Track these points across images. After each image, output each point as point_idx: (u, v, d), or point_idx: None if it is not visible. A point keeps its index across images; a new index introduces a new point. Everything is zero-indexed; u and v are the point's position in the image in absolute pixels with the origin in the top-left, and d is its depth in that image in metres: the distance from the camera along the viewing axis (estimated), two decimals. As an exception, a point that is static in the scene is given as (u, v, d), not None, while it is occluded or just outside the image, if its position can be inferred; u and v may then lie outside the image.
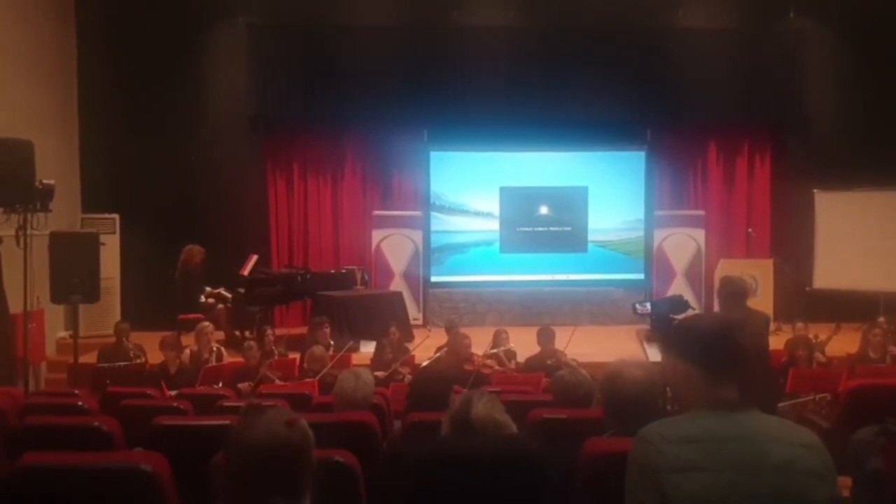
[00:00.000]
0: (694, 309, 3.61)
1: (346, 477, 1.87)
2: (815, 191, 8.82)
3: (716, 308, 4.13)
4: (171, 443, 2.56)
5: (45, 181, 5.79)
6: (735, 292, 4.08)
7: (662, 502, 1.42)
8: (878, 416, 4.32)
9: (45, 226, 6.12)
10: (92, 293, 6.26)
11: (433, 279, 9.59)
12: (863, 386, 4.71)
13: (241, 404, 3.58)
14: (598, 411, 2.62)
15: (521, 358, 6.58)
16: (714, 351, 1.49)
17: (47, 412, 3.07)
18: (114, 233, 8.73)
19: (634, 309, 3.56)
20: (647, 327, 3.75)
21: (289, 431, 1.43)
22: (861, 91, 9.28)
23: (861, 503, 3.92)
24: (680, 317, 3.46)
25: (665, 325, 3.21)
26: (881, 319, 7.08)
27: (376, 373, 5.19)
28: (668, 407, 2.18)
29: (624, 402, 2.02)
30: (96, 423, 2.53)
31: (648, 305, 3.48)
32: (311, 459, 1.47)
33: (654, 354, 4.23)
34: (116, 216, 8.79)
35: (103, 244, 8.04)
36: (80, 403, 3.33)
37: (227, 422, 2.63)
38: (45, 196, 5.72)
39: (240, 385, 5.18)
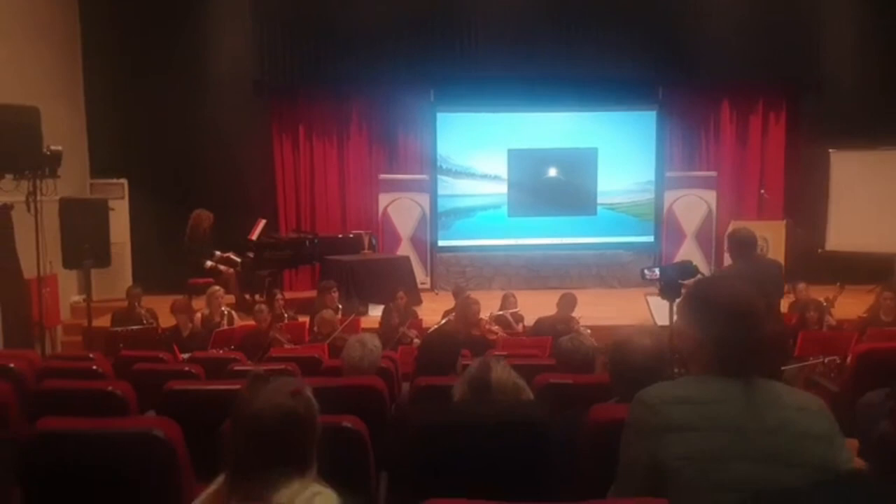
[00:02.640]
0: (702, 275, 3.58)
1: (354, 442, 1.90)
2: (830, 150, 8.66)
3: (726, 260, 4.11)
4: (182, 407, 2.60)
5: (52, 147, 5.79)
6: (744, 242, 4.07)
7: (653, 462, 1.43)
8: (888, 380, 4.33)
9: (55, 192, 6.15)
10: (103, 258, 6.32)
11: (440, 243, 9.58)
12: (873, 349, 4.69)
13: (252, 368, 3.63)
14: (602, 376, 2.64)
15: (529, 321, 6.61)
16: (729, 332, 1.48)
17: (63, 376, 3.12)
18: (122, 198, 8.77)
19: (643, 274, 3.55)
20: (656, 291, 3.76)
21: (293, 401, 1.44)
22: (879, 49, 9.03)
23: (869, 466, 3.97)
24: (689, 282, 3.42)
25: (674, 291, 3.19)
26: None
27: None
28: (677, 371, 2.18)
29: (631, 369, 2.02)
30: (110, 388, 2.57)
31: (657, 271, 3.46)
32: (316, 429, 1.48)
33: (661, 318, 4.22)
34: (125, 181, 8.81)
35: (112, 209, 8.14)
36: (94, 367, 3.39)
37: (238, 386, 2.68)
38: (53, 162, 5.73)
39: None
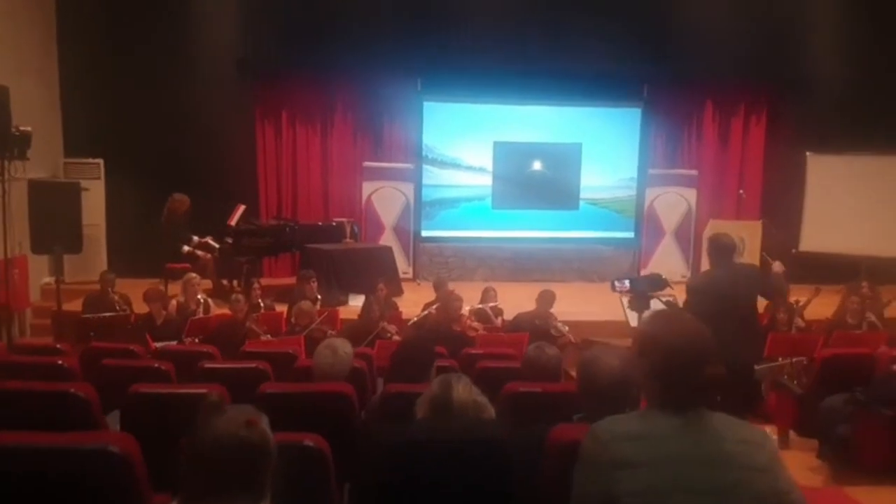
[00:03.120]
0: (671, 288, 3.62)
1: (316, 461, 1.89)
2: (807, 153, 8.75)
3: (704, 266, 4.19)
4: (147, 410, 2.59)
5: (21, 128, 5.63)
6: (723, 247, 4.14)
7: (605, 498, 1.46)
8: (849, 385, 4.44)
9: (24, 172, 6.00)
10: (74, 243, 6.19)
11: (424, 233, 9.56)
12: (836, 355, 4.81)
13: (223, 366, 3.61)
14: (569, 385, 2.66)
15: (512, 313, 6.64)
16: (675, 370, 1.50)
17: (26, 373, 3.07)
18: (98, 178, 8.61)
19: (613, 286, 3.61)
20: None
21: (247, 432, 1.44)
22: (861, 54, 9.12)
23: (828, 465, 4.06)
24: (659, 293, 3.47)
25: (643, 302, 3.22)
26: (864, 284, 7.14)
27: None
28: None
29: (597, 389, 2.05)
30: (72, 390, 2.53)
31: (627, 283, 3.49)
32: (271, 459, 1.48)
33: (635, 319, 4.26)
34: (101, 161, 8.63)
35: (87, 189, 7.99)
36: (59, 362, 3.33)
37: (204, 390, 2.66)
38: (21, 143, 5.58)
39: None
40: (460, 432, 1.73)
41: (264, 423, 1.50)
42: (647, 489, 1.44)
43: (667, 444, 1.47)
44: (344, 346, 2.94)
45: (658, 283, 3.45)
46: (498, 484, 1.67)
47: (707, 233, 8.96)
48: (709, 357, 1.50)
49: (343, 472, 2.08)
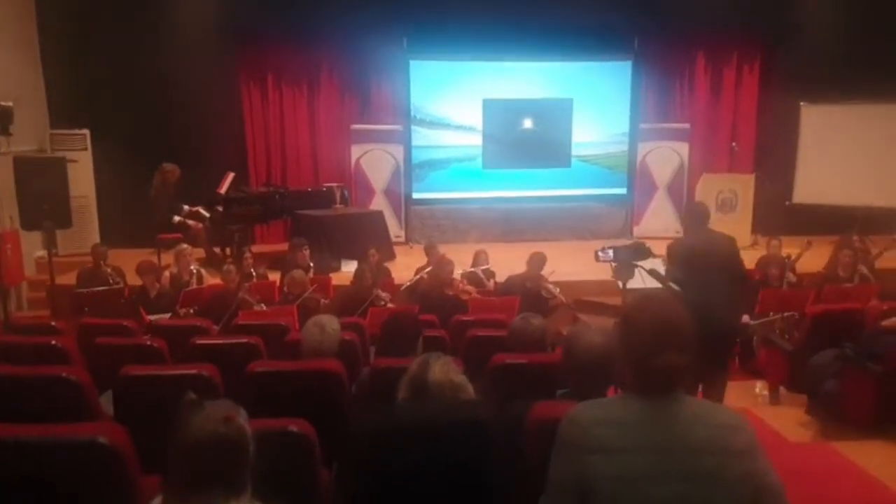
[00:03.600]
0: (654, 257, 3.64)
1: (301, 447, 1.92)
2: (801, 104, 8.66)
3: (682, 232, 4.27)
4: (139, 391, 2.62)
5: (2, 103, 5.53)
6: (699, 215, 4.21)
7: (580, 481, 1.49)
8: (838, 341, 4.51)
9: (9, 147, 5.92)
10: (63, 218, 6.16)
11: (415, 196, 9.51)
12: (826, 311, 4.86)
13: (215, 342, 3.64)
14: (555, 356, 2.68)
15: (505, 275, 6.66)
16: (652, 355, 1.50)
17: (20, 354, 3.09)
18: (85, 149, 8.53)
19: (596, 256, 3.63)
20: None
21: (226, 428, 1.47)
22: (853, 2, 8.93)
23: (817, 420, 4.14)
24: (642, 263, 3.48)
25: (628, 271, 3.24)
26: (855, 238, 7.16)
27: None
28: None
29: (579, 365, 2.07)
30: (65, 374, 2.56)
31: (610, 252, 3.50)
32: (249, 453, 1.51)
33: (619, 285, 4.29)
34: (87, 131, 8.54)
35: (75, 161, 7.91)
36: (53, 342, 3.36)
37: (195, 371, 2.69)
38: (3, 118, 5.48)
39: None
40: (436, 415, 1.76)
41: (242, 417, 1.53)
42: (621, 474, 1.46)
43: (643, 430, 1.49)
44: (331, 323, 2.96)
45: (642, 251, 3.46)
46: (478, 464, 1.70)
47: (700, 187, 8.97)
48: (679, 342, 1.50)
49: (330, 453, 2.12)
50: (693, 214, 4.09)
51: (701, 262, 3.80)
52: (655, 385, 1.52)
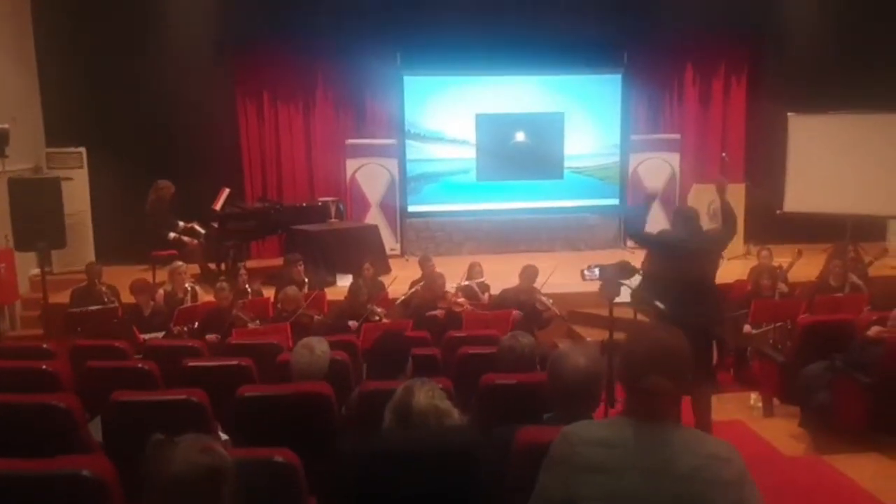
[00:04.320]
0: (640, 274, 3.67)
1: (286, 477, 1.94)
2: (789, 114, 8.73)
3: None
4: (128, 418, 2.63)
5: (-1, 125, 5.56)
6: (687, 216, 4.27)
7: (566, 498, 1.51)
8: (830, 352, 4.53)
9: (3, 166, 5.93)
10: (57, 238, 6.17)
11: (410, 209, 9.55)
12: (817, 322, 4.89)
13: (208, 364, 3.65)
14: (544, 375, 2.70)
15: (500, 286, 6.69)
16: (647, 382, 1.52)
17: (11, 379, 3.10)
18: (81, 167, 8.56)
19: (582, 275, 3.68)
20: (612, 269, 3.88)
21: (209, 457, 1.47)
22: (839, 13, 9.04)
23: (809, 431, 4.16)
24: (628, 282, 3.51)
25: (614, 290, 3.27)
26: (850, 248, 7.20)
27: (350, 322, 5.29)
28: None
29: (564, 387, 2.10)
30: (54, 402, 2.57)
31: (596, 271, 3.53)
32: (232, 479, 1.51)
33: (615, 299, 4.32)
34: (83, 149, 8.57)
35: (71, 179, 7.95)
36: (44, 367, 3.36)
37: (184, 396, 2.70)
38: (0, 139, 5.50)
39: (208, 337, 5.22)
40: (422, 442, 1.77)
41: (218, 445, 1.53)
42: (607, 496, 1.48)
43: (632, 453, 1.51)
44: (321, 345, 2.97)
45: (627, 270, 3.48)
46: (464, 491, 1.72)
47: (692, 197, 9.01)
48: (670, 367, 1.53)
49: (318, 479, 2.13)
50: (682, 216, 4.16)
51: (683, 253, 3.87)
52: (644, 407, 1.54)
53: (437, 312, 5.79)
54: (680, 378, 1.54)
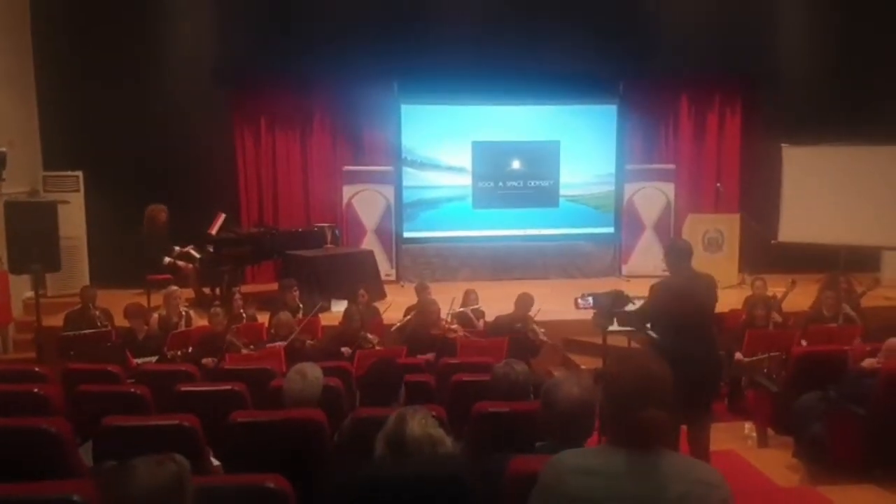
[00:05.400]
0: (634, 304, 3.66)
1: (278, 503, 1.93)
2: (782, 145, 8.85)
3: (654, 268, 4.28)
4: (119, 443, 2.61)
5: (-3, 148, 5.60)
6: (680, 251, 4.18)
7: None
8: (823, 382, 4.53)
9: (1, 188, 5.96)
10: (52, 262, 6.18)
11: (406, 235, 9.58)
12: (810, 352, 4.90)
13: (200, 389, 3.64)
14: (537, 403, 2.69)
15: (495, 312, 6.68)
16: (622, 413, 1.54)
17: (1, 404, 3.08)
18: (78, 190, 8.58)
19: (576, 303, 3.69)
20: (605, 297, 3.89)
21: (173, 466, 1.49)
22: (831, 46, 9.25)
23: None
24: (622, 311, 3.53)
25: (607, 319, 3.28)
26: (842, 279, 7.24)
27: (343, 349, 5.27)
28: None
29: (557, 415, 2.10)
30: (45, 426, 2.55)
31: (590, 300, 3.56)
32: (191, 486, 1.53)
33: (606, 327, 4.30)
34: (80, 173, 8.60)
35: (67, 202, 7.97)
36: (36, 390, 3.34)
37: (176, 421, 2.69)
38: (-2, 163, 5.54)
39: (204, 361, 5.20)
40: (414, 471, 1.77)
41: (177, 456, 1.55)
42: None
43: (622, 482, 1.52)
44: (314, 371, 2.97)
45: (621, 299, 3.50)
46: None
47: (687, 227, 9.08)
48: (660, 397, 1.54)
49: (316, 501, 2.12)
50: (676, 250, 4.11)
51: (680, 304, 3.83)
52: (637, 438, 1.55)
53: (429, 356, 5.70)
54: (669, 405, 1.55)
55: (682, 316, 3.77)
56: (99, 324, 6.18)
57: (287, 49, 8.85)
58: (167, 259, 7.90)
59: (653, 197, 9.62)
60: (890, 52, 9.19)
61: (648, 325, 3.77)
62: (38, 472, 2.24)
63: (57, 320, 6.74)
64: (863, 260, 8.82)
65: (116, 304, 6.64)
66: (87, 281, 7.86)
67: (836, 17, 9.24)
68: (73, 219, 8.30)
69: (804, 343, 5.81)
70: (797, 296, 7.02)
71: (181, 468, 1.53)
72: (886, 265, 9.22)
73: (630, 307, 3.63)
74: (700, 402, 3.84)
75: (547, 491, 1.56)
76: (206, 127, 9.02)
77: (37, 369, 4.19)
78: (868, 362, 4.27)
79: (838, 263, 8.10)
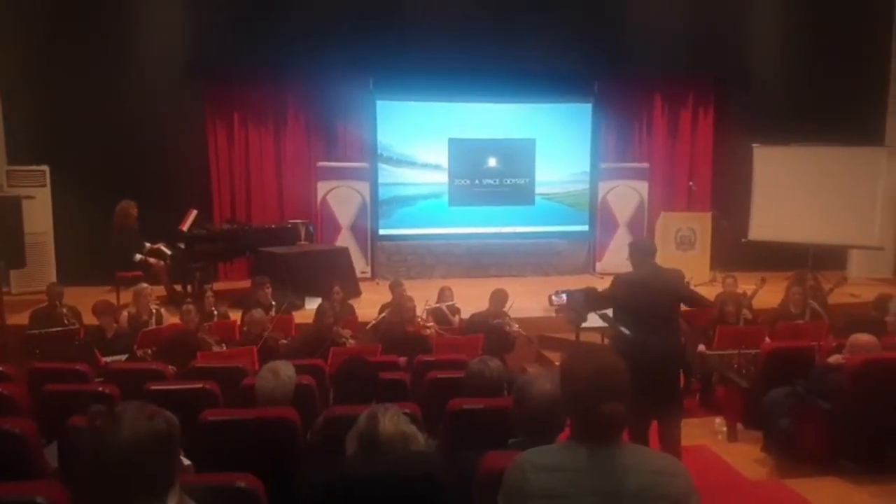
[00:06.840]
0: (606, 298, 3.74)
1: (249, 503, 1.90)
2: (754, 145, 9.00)
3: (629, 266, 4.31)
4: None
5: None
6: (644, 249, 4.28)
7: None
8: (791, 377, 4.62)
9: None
10: (16, 259, 6.02)
11: (381, 232, 9.54)
12: (779, 348, 4.99)
13: (169, 387, 3.57)
14: (510, 400, 2.70)
15: (471, 310, 6.69)
16: (581, 409, 1.55)
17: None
18: (44, 185, 8.40)
19: (550, 301, 3.70)
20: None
21: (159, 422, 1.43)
22: (802, 47, 9.44)
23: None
24: (594, 301, 3.56)
25: (580, 316, 3.32)
26: (810, 276, 7.39)
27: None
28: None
29: (529, 411, 2.11)
30: (8, 427, 2.48)
31: (564, 296, 3.58)
32: (178, 448, 1.48)
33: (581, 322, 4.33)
34: (46, 168, 8.41)
35: (32, 198, 7.77)
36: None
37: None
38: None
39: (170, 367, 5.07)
40: (387, 469, 1.76)
41: (165, 413, 1.50)
42: None
43: (583, 477, 1.53)
44: (286, 369, 2.94)
45: (593, 297, 3.53)
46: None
47: (659, 225, 9.19)
48: (614, 394, 1.55)
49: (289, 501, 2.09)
50: (639, 249, 4.19)
51: (643, 295, 3.89)
52: (597, 433, 1.56)
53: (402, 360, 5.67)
54: (626, 398, 1.57)
55: (643, 308, 3.84)
56: (66, 322, 6.03)
57: (262, 42, 8.74)
58: (138, 256, 7.76)
59: (626, 195, 9.72)
60: (859, 54, 9.41)
61: (610, 312, 3.82)
62: (2, 474, 2.18)
63: (22, 318, 6.58)
64: (830, 258, 9.01)
65: (85, 301, 6.50)
66: (54, 278, 7.68)
67: (806, 19, 9.43)
68: (39, 214, 8.12)
69: (767, 340, 5.91)
70: (767, 293, 7.15)
71: (172, 426, 1.46)
72: (853, 263, 9.46)
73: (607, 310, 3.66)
74: (664, 395, 3.88)
75: (512, 491, 1.58)
76: (178, 120, 8.87)
77: (1, 369, 4.07)
78: (834, 358, 4.36)
79: (807, 261, 8.27)
